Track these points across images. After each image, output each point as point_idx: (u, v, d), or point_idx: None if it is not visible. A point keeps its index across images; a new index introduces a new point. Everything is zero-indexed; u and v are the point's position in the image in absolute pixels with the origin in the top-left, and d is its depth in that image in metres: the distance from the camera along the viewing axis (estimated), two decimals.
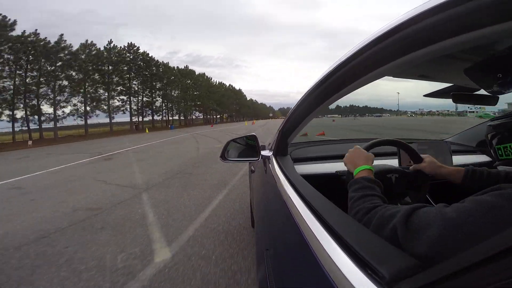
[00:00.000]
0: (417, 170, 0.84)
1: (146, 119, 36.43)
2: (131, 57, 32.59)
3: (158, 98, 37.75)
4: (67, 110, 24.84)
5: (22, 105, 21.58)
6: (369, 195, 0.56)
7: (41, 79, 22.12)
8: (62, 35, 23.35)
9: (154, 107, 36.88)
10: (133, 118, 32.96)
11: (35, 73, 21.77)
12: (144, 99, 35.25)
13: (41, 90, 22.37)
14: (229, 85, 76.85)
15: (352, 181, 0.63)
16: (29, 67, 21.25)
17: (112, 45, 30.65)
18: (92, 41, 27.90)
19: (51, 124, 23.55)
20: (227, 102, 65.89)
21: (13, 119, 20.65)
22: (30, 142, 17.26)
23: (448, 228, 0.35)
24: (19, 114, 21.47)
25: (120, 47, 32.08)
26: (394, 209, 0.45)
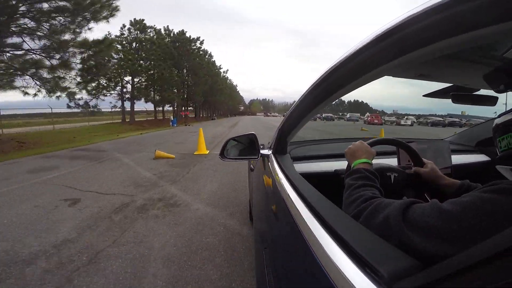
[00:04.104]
0: (417, 174, 0.83)
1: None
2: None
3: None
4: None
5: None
6: (370, 185, 0.56)
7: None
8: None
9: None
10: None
11: None
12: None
13: None
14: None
15: (353, 169, 0.62)
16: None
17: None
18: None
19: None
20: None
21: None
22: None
23: (445, 220, 0.35)
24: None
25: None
26: (389, 201, 0.46)
